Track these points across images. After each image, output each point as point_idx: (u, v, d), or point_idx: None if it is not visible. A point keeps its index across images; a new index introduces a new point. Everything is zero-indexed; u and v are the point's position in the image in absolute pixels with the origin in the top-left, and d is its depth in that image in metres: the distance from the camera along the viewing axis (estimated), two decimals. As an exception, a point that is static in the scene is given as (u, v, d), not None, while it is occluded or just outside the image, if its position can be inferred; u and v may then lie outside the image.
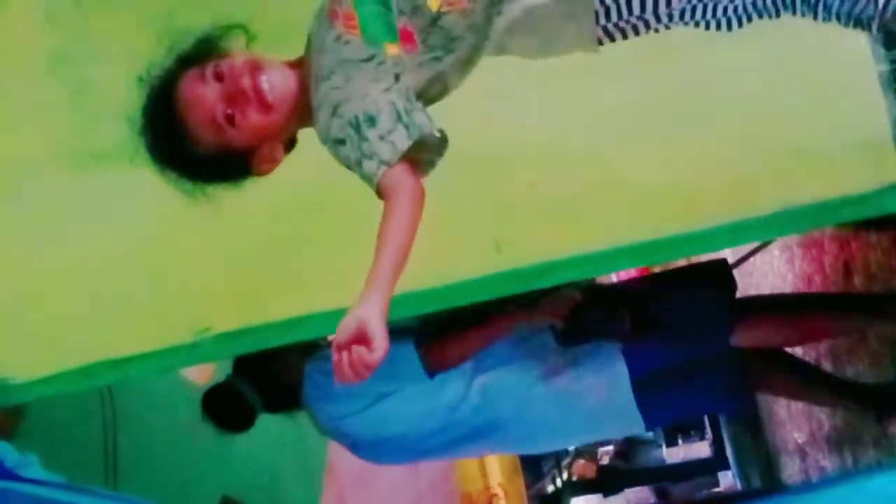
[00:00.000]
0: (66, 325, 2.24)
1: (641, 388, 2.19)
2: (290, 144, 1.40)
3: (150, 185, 2.13)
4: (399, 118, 1.21)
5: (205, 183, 1.34)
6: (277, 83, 1.28)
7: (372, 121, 1.22)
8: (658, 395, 2.23)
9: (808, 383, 2.54)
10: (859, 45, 1.66)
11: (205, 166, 1.31)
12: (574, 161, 1.84)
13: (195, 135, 1.28)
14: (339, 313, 2.12)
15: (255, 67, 1.27)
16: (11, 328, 2.27)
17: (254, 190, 1.99)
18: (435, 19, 1.26)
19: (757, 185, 1.79)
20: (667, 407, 2.28)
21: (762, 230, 1.90)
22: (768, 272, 3.98)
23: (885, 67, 1.66)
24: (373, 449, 2.35)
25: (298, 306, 2.12)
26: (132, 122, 1.33)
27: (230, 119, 1.26)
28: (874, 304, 2.56)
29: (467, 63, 1.32)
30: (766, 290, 3.99)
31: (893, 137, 1.74)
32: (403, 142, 1.21)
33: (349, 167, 1.27)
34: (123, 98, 2.18)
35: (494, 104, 1.73)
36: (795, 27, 1.39)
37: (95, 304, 2.22)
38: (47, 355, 2.22)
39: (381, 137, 1.21)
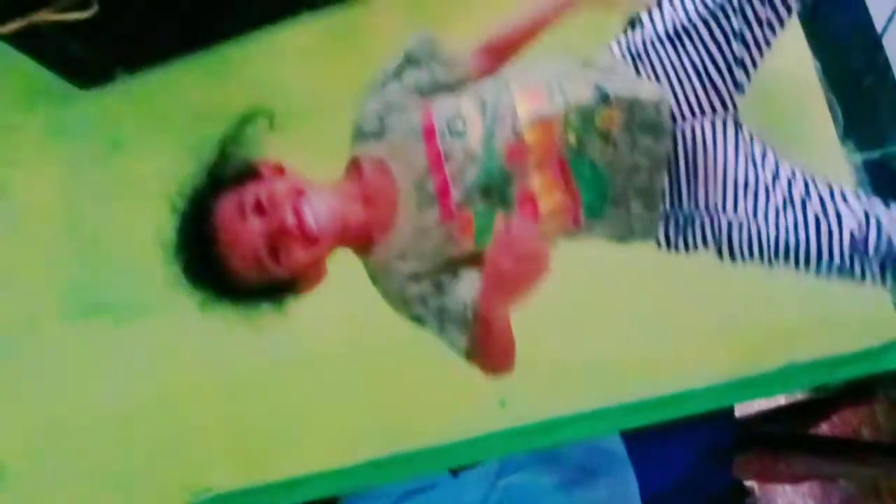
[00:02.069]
0: (64, 485, 2.19)
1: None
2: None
3: (153, 342, 2.20)
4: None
5: (245, 305, 1.25)
6: (322, 212, 1.20)
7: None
8: None
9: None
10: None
11: (245, 293, 1.23)
12: (578, 321, 1.85)
13: (237, 268, 1.20)
14: (340, 473, 2.12)
15: (298, 194, 1.20)
16: (9, 486, 2.22)
17: (253, 348, 2.02)
18: None
19: (762, 344, 1.80)
20: None
21: (767, 387, 1.90)
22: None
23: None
24: None
25: (300, 466, 2.08)
26: (165, 246, 1.26)
27: (275, 256, 1.19)
28: (881, 454, 2.53)
29: None
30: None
31: (893, 300, 1.77)
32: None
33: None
34: (127, 250, 2.29)
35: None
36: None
37: (94, 463, 2.18)
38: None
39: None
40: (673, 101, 1.31)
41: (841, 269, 1.28)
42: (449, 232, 1.23)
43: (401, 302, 1.26)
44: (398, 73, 1.29)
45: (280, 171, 1.27)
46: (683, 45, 1.31)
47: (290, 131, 1.35)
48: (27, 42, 2.09)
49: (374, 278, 1.28)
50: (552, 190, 1.24)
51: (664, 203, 1.31)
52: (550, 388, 1.85)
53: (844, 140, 1.96)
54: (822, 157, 1.93)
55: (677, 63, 1.32)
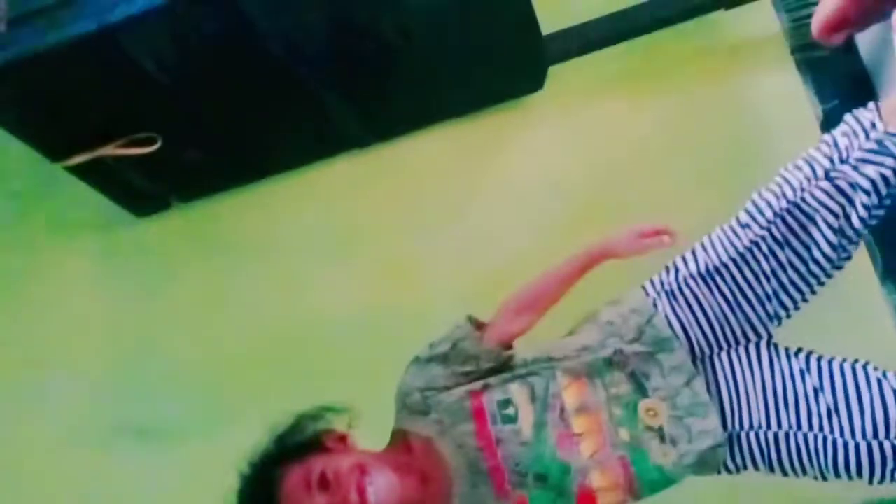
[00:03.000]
0: None
1: None
2: None
3: (189, 465, 2.20)
4: None
5: None
6: (383, 490, 1.24)
7: None
8: None
9: None
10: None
11: None
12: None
13: None
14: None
15: (362, 472, 1.25)
16: None
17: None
18: None
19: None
20: None
21: None
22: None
23: None
24: None
25: None
26: None
27: None
28: None
29: None
30: None
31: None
32: None
33: None
34: (170, 375, 2.32)
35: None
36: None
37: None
38: None
39: None
40: (710, 333, 1.38)
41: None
42: None
43: None
44: (444, 359, 1.35)
45: (343, 440, 1.33)
46: (716, 283, 1.39)
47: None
48: (90, 172, 2.19)
49: None
50: (614, 490, 1.30)
51: None
52: None
53: (884, 281, 1.99)
54: (862, 298, 1.95)
55: (710, 299, 1.39)
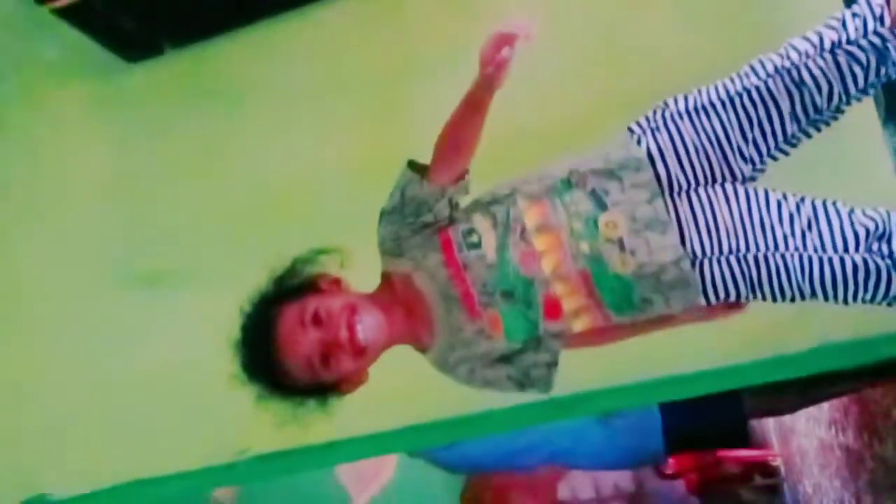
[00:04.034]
0: (106, 444, 2.27)
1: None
2: None
3: (194, 308, 2.26)
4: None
5: (294, 401, 1.41)
6: (371, 328, 1.37)
7: None
8: None
9: None
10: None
11: (294, 391, 1.40)
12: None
13: (289, 370, 1.36)
14: (375, 437, 2.18)
15: (351, 311, 1.36)
16: (53, 445, 2.31)
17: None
18: None
19: (796, 323, 1.82)
20: None
21: (800, 366, 1.92)
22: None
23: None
24: None
25: (335, 431, 2.14)
26: (230, 341, 1.41)
27: (326, 363, 1.35)
28: None
29: None
30: (800, 419, 3.93)
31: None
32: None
33: None
34: (171, 222, 2.35)
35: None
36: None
37: (137, 422, 2.26)
38: (88, 473, 2.24)
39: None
40: (688, 166, 1.42)
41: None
42: (479, 327, 1.39)
43: (466, 380, 1.45)
44: (400, 209, 1.42)
45: (337, 283, 1.44)
46: (700, 120, 1.43)
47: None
48: (78, 16, 2.14)
49: (439, 369, 1.45)
50: (575, 295, 1.38)
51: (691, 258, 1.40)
52: (584, 361, 1.88)
53: (886, 124, 1.97)
54: (862, 141, 1.94)
55: (692, 134, 1.43)
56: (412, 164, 1.43)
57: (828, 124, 1.50)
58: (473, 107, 1.37)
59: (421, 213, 1.41)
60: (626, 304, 1.40)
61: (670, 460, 4.28)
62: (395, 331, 1.41)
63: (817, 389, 2.61)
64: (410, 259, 1.42)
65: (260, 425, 2.19)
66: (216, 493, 3.44)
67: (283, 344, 1.35)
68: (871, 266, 1.40)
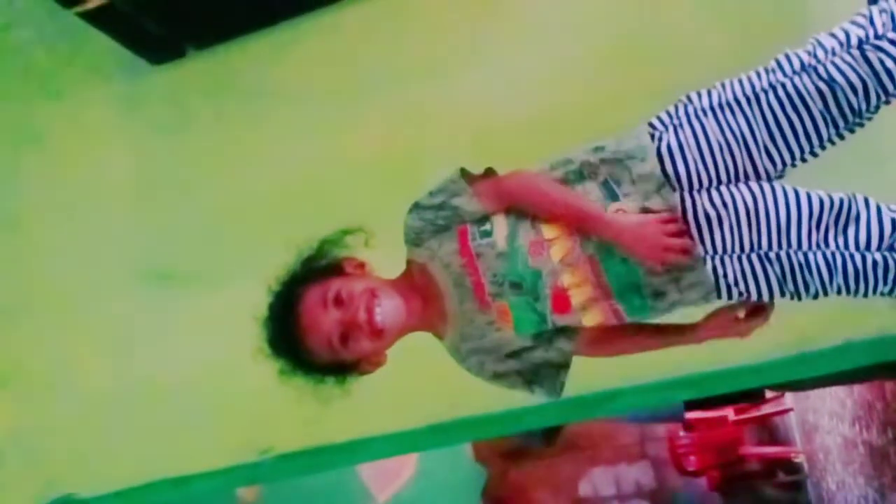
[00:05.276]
0: (131, 443, 2.30)
1: None
2: None
3: (220, 308, 2.29)
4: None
5: (314, 378, 1.45)
6: (390, 313, 1.41)
7: None
8: None
9: None
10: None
11: (314, 368, 1.44)
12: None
13: (311, 348, 1.41)
14: (396, 436, 2.19)
15: (372, 295, 1.41)
16: (80, 444, 2.34)
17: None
18: None
19: (819, 321, 1.82)
20: None
21: (824, 364, 1.91)
22: (826, 396, 3.92)
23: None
24: None
25: (358, 429, 2.16)
26: (257, 318, 1.44)
27: (344, 342, 1.40)
28: None
29: None
30: (824, 416, 3.92)
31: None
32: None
33: None
34: (197, 222, 2.38)
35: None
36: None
37: (162, 422, 2.28)
38: (114, 472, 2.27)
39: None
40: (710, 163, 1.40)
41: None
42: (490, 319, 1.42)
43: (476, 371, 1.47)
44: (439, 208, 1.44)
45: (361, 267, 1.48)
46: (725, 117, 1.41)
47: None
48: (103, 19, 2.16)
49: (454, 357, 1.48)
50: (583, 286, 1.39)
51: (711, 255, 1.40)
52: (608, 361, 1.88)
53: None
54: (886, 136, 1.92)
55: (717, 131, 1.40)
56: (464, 173, 1.45)
57: (862, 125, 1.47)
58: (560, 211, 1.39)
59: (455, 219, 1.43)
60: (633, 294, 1.39)
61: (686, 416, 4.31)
62: (413, 317, 1.45)
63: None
64: (428, 249, 1.45)
65: (283, 425, 2.25)
66: (240, 491, 3.48)
67: (306, 323, 1.39)
68: (891, 262, 1.39)
